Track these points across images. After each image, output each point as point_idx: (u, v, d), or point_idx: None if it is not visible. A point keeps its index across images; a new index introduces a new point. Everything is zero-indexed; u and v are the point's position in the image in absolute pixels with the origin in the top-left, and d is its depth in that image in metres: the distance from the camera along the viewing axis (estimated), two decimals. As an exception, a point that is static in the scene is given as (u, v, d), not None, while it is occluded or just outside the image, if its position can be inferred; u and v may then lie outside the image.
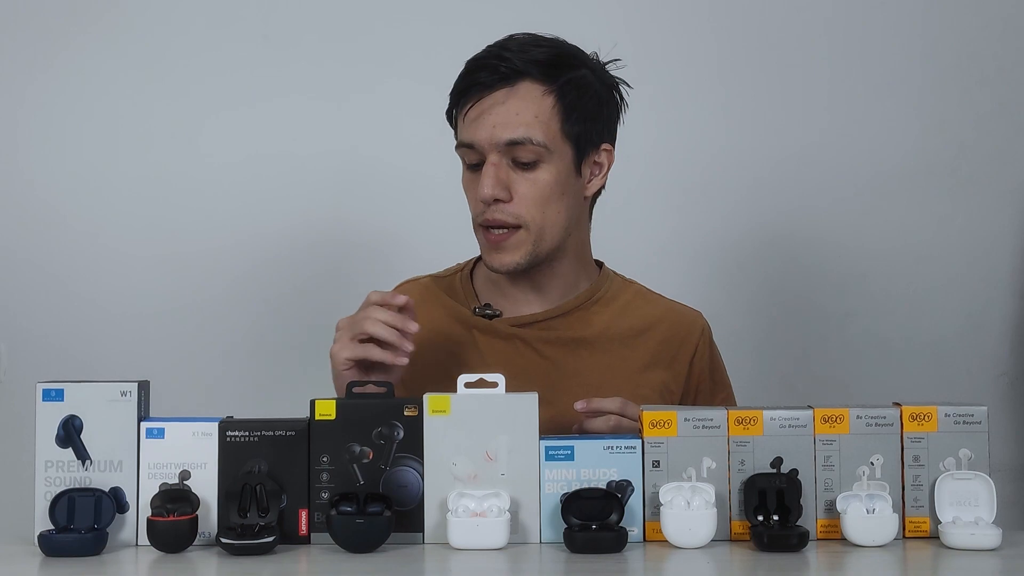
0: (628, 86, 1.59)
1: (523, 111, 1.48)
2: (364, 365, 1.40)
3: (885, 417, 1.28)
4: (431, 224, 2.15)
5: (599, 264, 1.67)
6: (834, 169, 2.25)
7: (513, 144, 1.48)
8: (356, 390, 1.31)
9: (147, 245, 2.25)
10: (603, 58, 1.58)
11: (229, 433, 1.27)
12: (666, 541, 1.23)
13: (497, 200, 1.49)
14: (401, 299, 1.41)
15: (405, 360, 1.38)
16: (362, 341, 1.39)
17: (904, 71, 2.25)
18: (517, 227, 1.50)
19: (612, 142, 1.59)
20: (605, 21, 2.24)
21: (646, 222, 2.24)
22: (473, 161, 1.52)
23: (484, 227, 1.52)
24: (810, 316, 2.25)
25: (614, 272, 1.67)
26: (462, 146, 1.52)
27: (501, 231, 1.51)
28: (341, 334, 1.41)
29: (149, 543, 1.23)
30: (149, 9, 2.27)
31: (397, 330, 1.38)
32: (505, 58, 1.49)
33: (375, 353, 1.38)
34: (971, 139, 2.25)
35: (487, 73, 1.49)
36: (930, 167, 2.25)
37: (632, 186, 2.21)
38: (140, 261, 2.25)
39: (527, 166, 1.49)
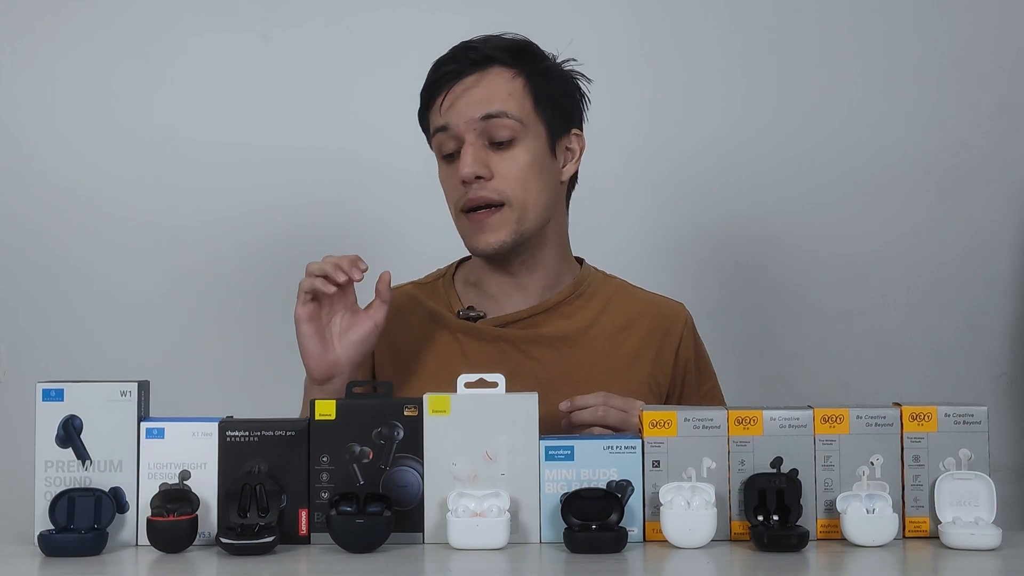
0: (587, 79, 1.63)
1: (497, 89, 1.53)
2: (344, 321, 1.47)
3: (885, 417, 1.28)
4: (432, 225, 2.14)
5: (579, 261, 1.68)
6: (834, 168, 2.25)
7: (489, 118, 1.51)
8: (356, 390, 1.31)
9: (147, 245, 2.25)
10: (561, 58, 1.62)
11: (229, 433, 1.27)
12: (666, 541, 1.23)
13: (479, 178, 1.51)
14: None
15: (332, 288, 1.43)
16: (310, 287, 1.44)
17: (904, 71, 2.25)
18: (500, 204, 1.52)
19: (581, 128, 1.63)
20: (601, 17, 2.24)
21: (645, 222, 2.24)
22: (449, 150, 1.55)
23: (466, 211, 1.54)
24: (810, 316, 2.25)
25: (595, 268, 1.68)
26: (438, 132, 1.55)
27: (484, 210, 1.53)
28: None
29: (149, 543, 1.23)
30: (150, 7, 2.28)
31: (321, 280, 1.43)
32: (473, 48, 1.55)
33: (316, 282, 1.42)
34: (971, 139, 2.25)
35: (457, 63, 1.54)
36: (930, 167, 2.25)
37: (630, 185, 2.23)
38: (140, 261, 2.25)
39: (504, 144, 1.52)
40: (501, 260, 1.58)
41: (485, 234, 1.53)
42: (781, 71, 2.26)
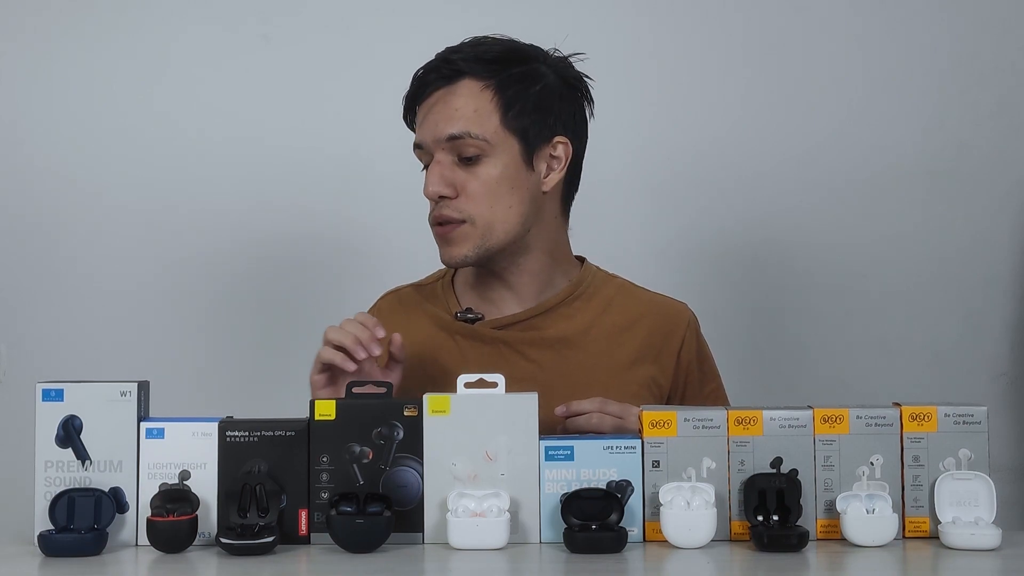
0: (589, 79, 1.61)
1: (462, 107, 1.52)
2: (335, 372, 1.44)
3: (885, 417, 1.28)
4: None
5: (581, 260, 1.67)
6: (834, 169, 2.25)
7: (454, 139, 1.51)
8: (356, 390, 1.31)
9: (147, 245, 2.25)
10: (566, 52, 1.60)
11: (229, 433, 1.27)
12: (666, 541, 1.23)
13: (443, 197, 1.52)
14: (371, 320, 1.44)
15: (352, 366, 1.40)
16: (336, 347, 1.42)
17: (904, 71, 2.25)
18: (462, 222, 1.53)
19: (571, 135, 1.58)
20: (602, 16, 2.24)
21: (645, 222, 2.24)
22: (426, 162, 1.56)
23: (434, 225, 1.55)
24: (810, 316, 2.25)
25: (596, 267, 1.67)
26: (415, 148, 1.57)
27: (448, 225, 1.53)
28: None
29: (149, 543, 1.23)
30: (150, 5, 2.27)
31: (359, 338, 1.41)
32: (449, 60, 1.54)
33: (336, 358, 1.41)
34: (971, 139, 2.25)
35: (432, 75, 1.54)
36: (930, 167, 2.25)
37: (630, 185, 2.23)
38: (140, 261, 2.25)
39: (470, 161, 1.52)
40: (485, 265, 1.58)
41: (450, 248, 1.54)
42: (781, 71, 2.26)
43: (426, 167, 1.56)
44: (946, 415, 1.28)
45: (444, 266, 1.61)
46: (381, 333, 1.42)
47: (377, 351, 1.41)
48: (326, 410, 1.28)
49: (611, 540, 1.22)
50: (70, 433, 1.27)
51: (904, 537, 1.27)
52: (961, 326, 2.24)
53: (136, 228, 2.25)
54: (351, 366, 1.40)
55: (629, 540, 1.23)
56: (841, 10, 2.27)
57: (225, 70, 2.26)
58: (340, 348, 1.41)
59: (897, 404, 1.29)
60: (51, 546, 1.22)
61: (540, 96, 1.54)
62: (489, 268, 1.59)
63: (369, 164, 2.24)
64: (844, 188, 2.25)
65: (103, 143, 2.26)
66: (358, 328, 1.42)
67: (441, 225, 1.54)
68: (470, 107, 1.51)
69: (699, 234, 2.25)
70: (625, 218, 2.22)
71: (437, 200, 1.53)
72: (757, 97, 2.26)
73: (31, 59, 2.27)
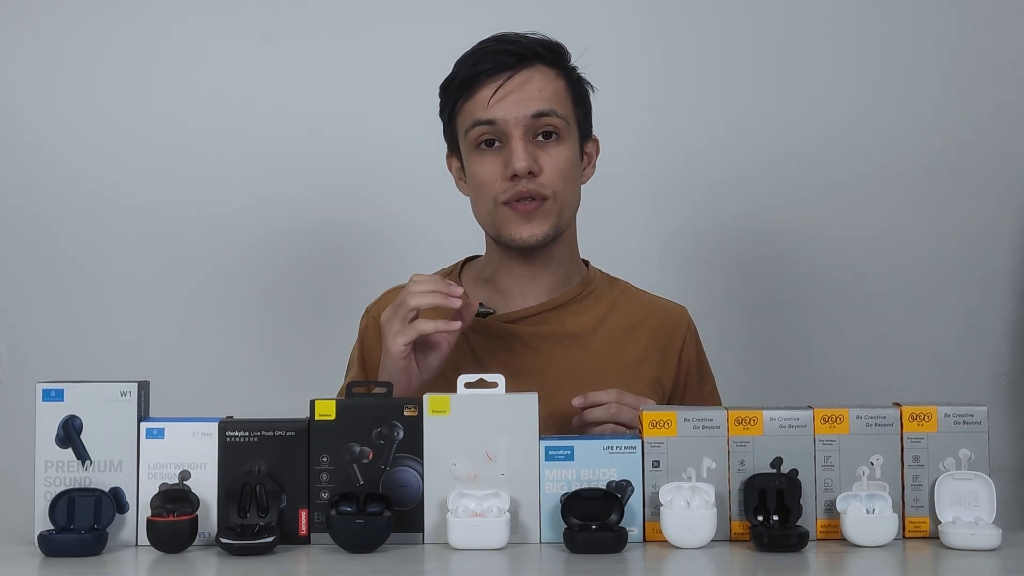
0: (592, 88, 1.64)
1: (545, 88, 1.55)
2: (421, 345, 1.44)
3: (885, 417, 1.28)
4: (434, 223, 2.15)
5: (585, 262, 1.70)
6: (834, 168, 2.24)
7: (539, 116, 1.53)
8: (356, 390, 1.31)
9: (147, 245, 2.25)
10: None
11: (229, 433, 1.27)
12: (666, 541, 1.23)
13: (530, 173, 1.52)
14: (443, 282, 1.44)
15: (457, 325, 1.42)
16: (411, 321, 1.42)
17: (904, 70, 2.25)
18: (545, 198, 1.54)
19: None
20: (601, 17, 2.24)
21: (646, 221, 2.24)
22: (487, 139, 1.54)
23: (510, 203, 1.54)
24: (810, 316, 2.25)
25: (600, 270, 1.70)
26: (480, 125, 1.53)
27: (532, 202, 1.53)
28: (390, 323, 1.44)
29: (149, 543, 1.24)
30: (151, 5, 2.28)
31: (440, 294, 1.42)
32: (517, 42, 1.56)
33: (426, 327, 1.41)
34: (971, 139, 2.25)
35: (505, 57, 1.54)
36: (930, 166, 2.24)
37: (629, 184, 2.22)
38: (140, 261, 2.25)
39: (549, 137, 1.54)
40: (525, 252, 1.58)
41: (531, 225, 1.54)
42: (781, 71, 2.26)
43: (483, 143, 1.54)
44: (946, 415, 1.28)
45: (510, 246, 1.57)
46: (458, 291, 1.43)
47: (457, 304, 1.42)
48: (326, 410, 1.28)
49: (611, 540, 1.22)
50: (70, 433, 1.27)
51: (904, 537, 1.27)
52: (961, 326, 2.24)
53: (136, 227, 2.25)
54: (455, 325, 1.42)
55: (629, 540, 1.23)
56: (842, 10, 2.26)
57: (226, 65, 2.26)
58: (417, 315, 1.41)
59: (897, 404, 1.29)
60: (51, 546, 1.22)
61: (586, 94, 1.62)
62: (528, 255, 1.58)
63: (373, 163, 2.24)
64: (844, 187, 2.24)
65: (103, 141, 2.26)
66: (444, 297, 1.41)
67: (523, 202, 1.53)
68: (551, 89, 1.55)
69: (699, 233, 2.25)
70: (624, 216, 2.22)
71: (525, 175, 1.52)
72: (757, 96, 2.26)
73: (30, 56, 2.27)
